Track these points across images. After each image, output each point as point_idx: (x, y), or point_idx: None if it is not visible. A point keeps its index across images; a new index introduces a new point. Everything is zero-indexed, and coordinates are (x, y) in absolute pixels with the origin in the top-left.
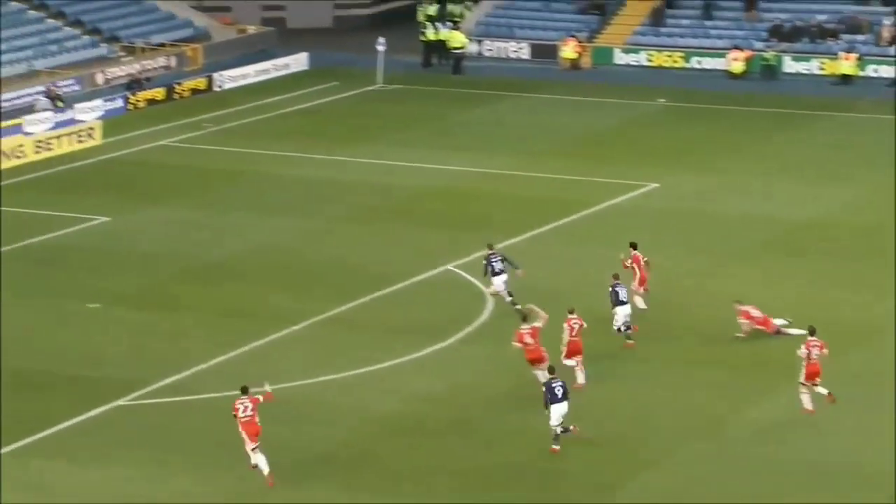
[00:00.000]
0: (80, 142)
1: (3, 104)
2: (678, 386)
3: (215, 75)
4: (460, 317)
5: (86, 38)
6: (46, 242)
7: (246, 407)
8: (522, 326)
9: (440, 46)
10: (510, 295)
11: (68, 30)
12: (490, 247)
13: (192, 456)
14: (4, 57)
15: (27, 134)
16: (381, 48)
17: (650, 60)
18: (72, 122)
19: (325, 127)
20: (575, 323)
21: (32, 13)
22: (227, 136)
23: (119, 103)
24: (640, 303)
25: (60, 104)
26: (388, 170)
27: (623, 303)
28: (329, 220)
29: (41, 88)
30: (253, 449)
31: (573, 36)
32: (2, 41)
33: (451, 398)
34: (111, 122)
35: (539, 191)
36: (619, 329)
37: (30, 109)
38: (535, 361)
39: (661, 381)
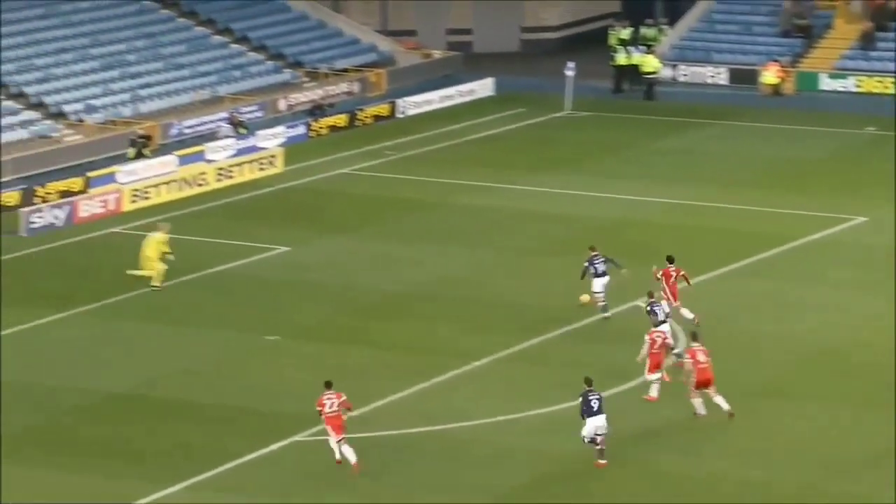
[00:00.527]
0: (262, 169)
1: (186, 131)
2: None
3: (399, 101)
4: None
5: (269, 63)
6: (227, 272)
7: (332, 402)
8: (693, 344)
9: (632, 71)
10: (604, 301)
11: (252, 55)
12: (592, 248)
13: (368, 495)
14: (188, 83)
15: (209, 161)
16: (570, 73)
17: (859, 86)
18: (254, 149)
19: (510, 155)
20: (658, 336)
21: (216, 38)
22: (409, 164)
23: (301, 130)
24: (686, 314)
25: (243, 131)
26: (574, 200)
27: (663, 322)
28: (512, 251)
29: (224, 115)
30: (338, 441)
31: (775, 60)
32: (185, 67)
33: (635, 441)
34: (293, 149)
35: (734, 223)
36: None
37: (212, 136)
38: (704, 384)
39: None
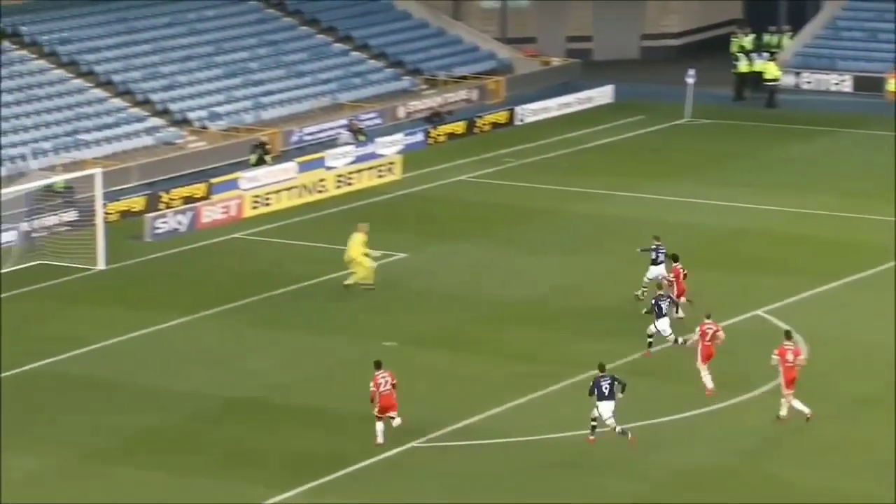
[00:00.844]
0: (380, 176)
1: (306, 138)
2: None
3: (517, 109)
4: (767, 366)
5: (389, 70)
6: (345, 278)
7: (386, 382)
8: (785, 343)
9: (754, 79)
10: (645, 289)
11: (372, 62)
12: (657, 238)
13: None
14: (309, 90)
15: (328, 168)
16: (690, 80)
17: None
18: (373, 156)
19: (629, 162)
20: (709, 328)
21: (337, 46)
22: (527, 172)
23: (419, 137)
24: (679, 312)
25: (362, 138)
26: (692, 208)
27: (663, 315)
28: (629, 260)
29: (343, 122)
30: (379, 420)
31: None
32: (307, 74)
33: (761, 452)
34: (411, 157)
35: (859, 234)
36: (675, 341)
37: (332, 143)
38: (790, 383)
39: None
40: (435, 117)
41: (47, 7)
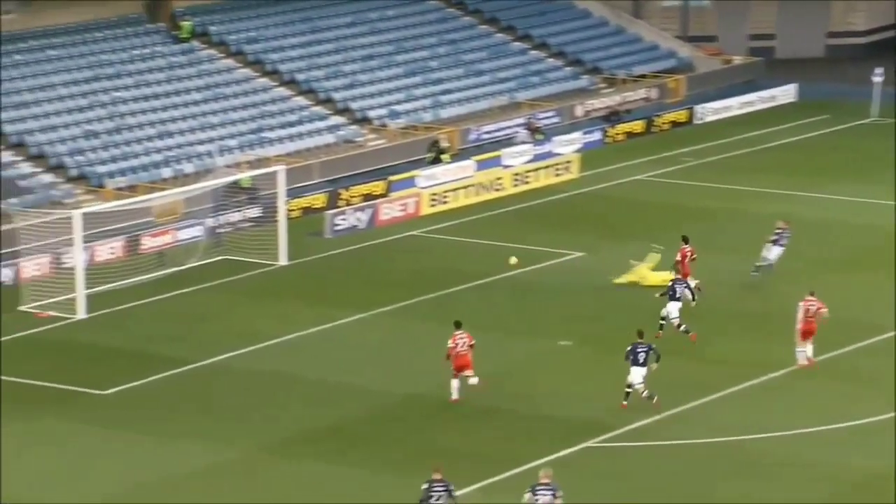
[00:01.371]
0: (558, 175)
1: (483, 136)
2: None
3: (697, 107)
4: None
5: (567, 69)
6: (521, 276)
7: (464, 342)
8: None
9: None
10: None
11: (550, 61)
12: (782, 224)
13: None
14: (487, 89)
15: (506, 167)
16: (878, 79)
17: None
18: (550, 154)
19: (812, 162)
20: (812, 305)
21: (516, 44)
22: (705, 171)
23: (597, 136)
24: (687, 295)
25: (540, 137)
26: (878, 210)
27: (677, 299)
28: (812, 261)
29: (521, 121)
30: (455, 378)
31: None
32: (485, 73)
33: None
34: (588, 155)
35: None
36: (678, 326)
37: (509, 142)
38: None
39: None
40: (613, 116)
41: (234, 7)
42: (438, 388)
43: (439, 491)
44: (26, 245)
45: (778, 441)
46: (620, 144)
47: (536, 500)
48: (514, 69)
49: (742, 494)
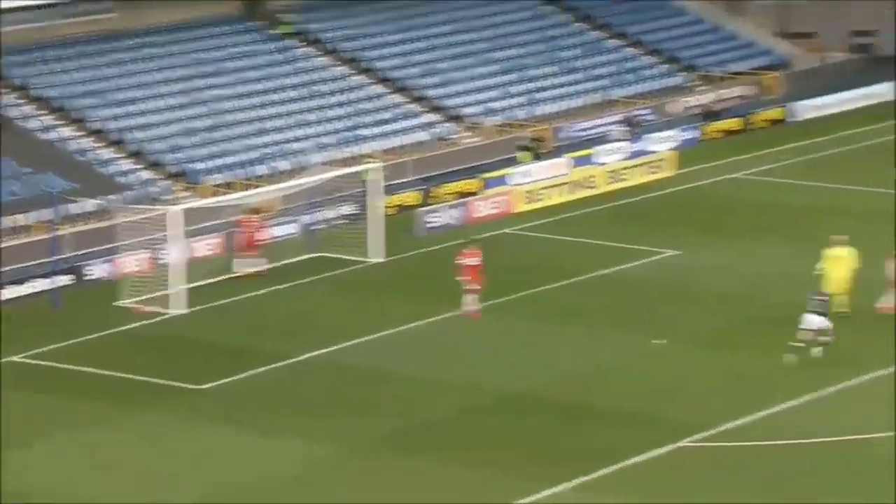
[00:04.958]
0: (652, 173)
1: (578, 133)
2: None
3: (794, 105)
4: None
5: (663, 66)
6: (615, 274)
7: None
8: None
9: None
10: None
11: (645, 58)
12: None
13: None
14: (581, 86)
15: (599, 164)
16: None
17: None
18: (644, 152)
19: None
20: None
21: (611, 42)
22: (801, 170)
23: (692, 134)
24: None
25: (635, 134)
26: None
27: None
28: None
29: (616, 118)
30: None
31: None
32: (579, 70)
33: None
34: (683, 154)
35: None
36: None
37: (603, 139)
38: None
39: None
40: (709, 114)
41: (330, 6)
42: (534, 385)
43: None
44: (125, 241)
45: (878, 442)
46: (716, 142)
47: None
48: (609, 66)
49: (835, 494)
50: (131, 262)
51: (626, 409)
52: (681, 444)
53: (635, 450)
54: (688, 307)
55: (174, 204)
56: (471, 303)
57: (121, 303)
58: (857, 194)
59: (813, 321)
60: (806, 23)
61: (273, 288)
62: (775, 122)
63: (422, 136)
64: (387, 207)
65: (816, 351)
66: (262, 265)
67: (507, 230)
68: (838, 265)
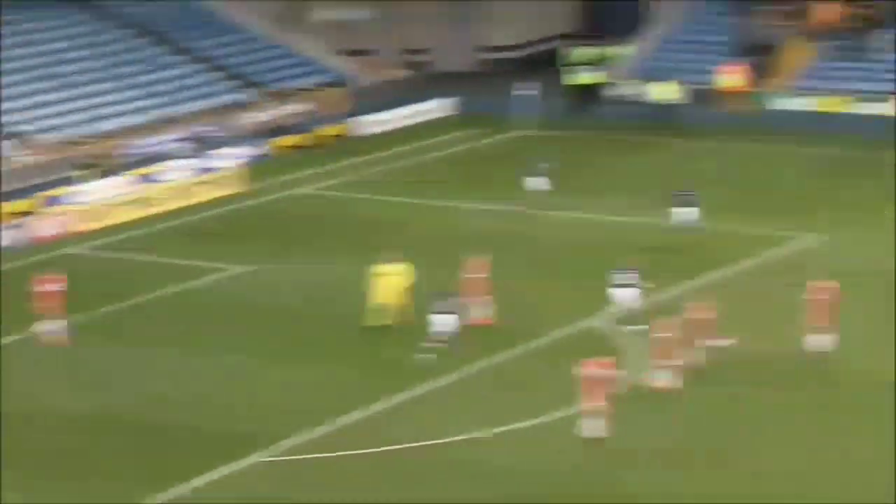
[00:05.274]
0: (221, 189)
1: (143, 150)
2: None
3: (356, 120)
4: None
5: (228, 83)
6: (184, 292)
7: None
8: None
9: (588, 91)
10: None
11: (210, 74)
12: None
13: None
14: (144, 102)
15: (165, 181)
16: (524, 92)
17: (816, 105)
18: (212, 169)
19: (467, 173)
20: None
21: (175, 58)
22: (365, 184)
23: (260, 149)
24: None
25: (201, 150)
26: (535, 220)
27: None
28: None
29: (182, 134)
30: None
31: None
32: (142, 86)
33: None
34: (253, 169)
35: (700, 240)
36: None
37: (168, 156)
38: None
39: None
40: (275, 130)
41: None
42: (107, 406)
43: None
44: None
45: (452, 445)
46: (285, 157)
47: None
48: (172, 83)
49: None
50: None
51: (200, 426)
52: (258, 458)
53: (208, 467)
54: (260, 322)
55: None
56: (49, 327)
57: None
58: (417, 207)
59: (443, 322)
60: (364, 41)
61: None
62: (339, 136)
63: None
64: None
65: (429, 357)
66: None
67: (68, 250)
68: (390, 280)
